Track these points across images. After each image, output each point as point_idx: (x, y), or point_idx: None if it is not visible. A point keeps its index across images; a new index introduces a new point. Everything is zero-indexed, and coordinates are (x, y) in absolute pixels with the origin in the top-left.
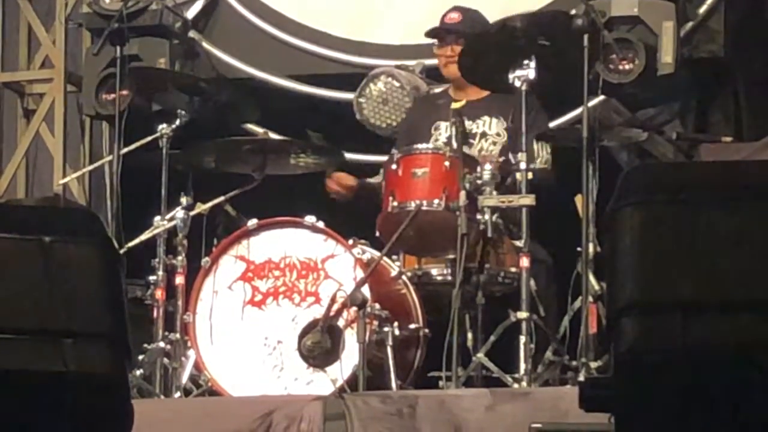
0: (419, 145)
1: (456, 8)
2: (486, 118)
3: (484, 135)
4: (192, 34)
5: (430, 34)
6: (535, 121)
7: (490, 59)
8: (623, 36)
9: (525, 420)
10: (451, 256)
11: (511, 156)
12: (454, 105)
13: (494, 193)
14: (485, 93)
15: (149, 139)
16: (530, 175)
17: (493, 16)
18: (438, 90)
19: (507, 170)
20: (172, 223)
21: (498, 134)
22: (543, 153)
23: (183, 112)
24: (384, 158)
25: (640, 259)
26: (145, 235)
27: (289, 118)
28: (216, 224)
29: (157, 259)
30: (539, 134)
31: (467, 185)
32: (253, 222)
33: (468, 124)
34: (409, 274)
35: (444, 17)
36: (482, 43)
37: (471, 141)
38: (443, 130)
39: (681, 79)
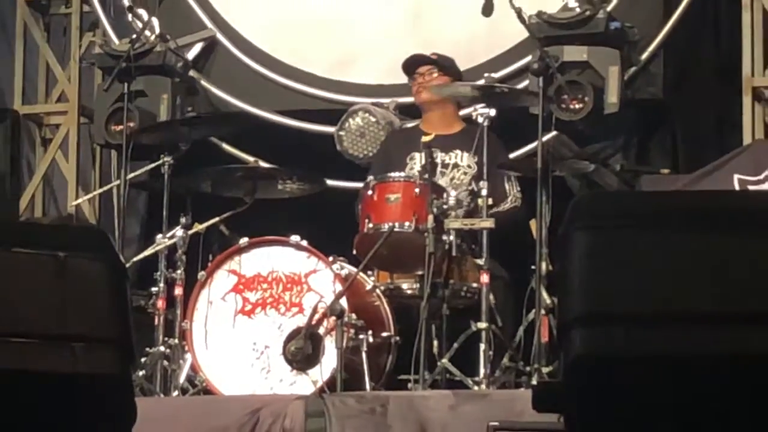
0: (393, 174)
1: (433, 53)
2: (458, 151)
3: (456, 166)
4: (192, 73)
5: (409, 62)
6: (496, 153)
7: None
8: (574, 79)
9: (484, 419)
10: (420, 273)
11: (474, 185)
12: (424, 138)
13: (460, 215)
14: (456, 129)
15: (153, 166)
16: (501, 207)
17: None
18: (410, 125)
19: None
20: (173, 241)
21: (469, 166)
22: (513, 191)
23: (182, 144)
24: (361, 185)
25: (587, 277)
26: (148, 251)
27: (277, 149)
28: (211, 242)
29: (158, 273)
30: (500, 164)
31: (435, 210)
32: (244, 240)
33: (441, 155)
34: (382, 287)
35: (417, 54)
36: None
37: (442, 170)
38: (417, 160)
39: (625, 118)
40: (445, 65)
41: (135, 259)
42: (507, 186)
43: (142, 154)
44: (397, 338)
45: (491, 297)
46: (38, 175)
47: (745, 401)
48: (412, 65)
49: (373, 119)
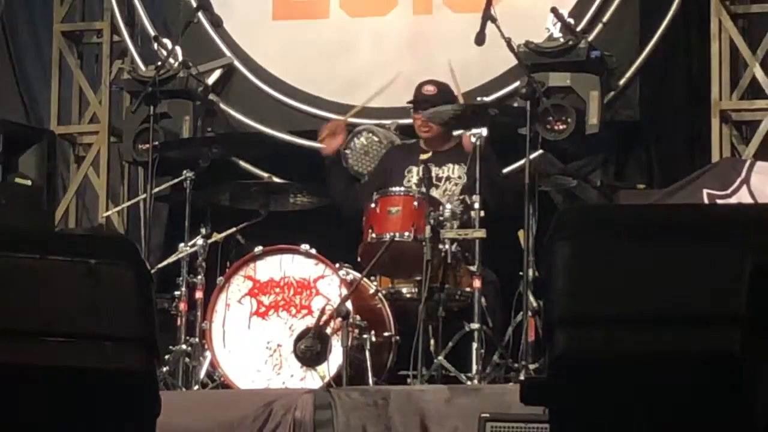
0: (393, 188)
1: (430, 81)
2: (450, 165)
3: (448, 178)
4: (211, 96)
5: (412, 102)
6: (488, 169)
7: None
8: (558, 102)
9: (476, 411)
10: (418, 278)
11: (468, 197)
12: (422, 156)
13: (455, 226)
14: (449, 146)
15: (176, 181)
16: (483, 214)
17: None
18: (410, 142)
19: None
20: (194, 249)
21: (459, 177)
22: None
23: (202, 161)
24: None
25: (570, 282)
26: (171, 258)
27: (289, 165)
28: (229, 250)
29: (180, 278)
30: (492, 178)
31: (431, 221)
32: (259, 249)
33: (435, 170)
34: (384, 291)
35: (421, 88)
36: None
37: (436, 183)
38: (414, 173)
39: (604, 138)
40: (445, 100)
41: (159, 265)
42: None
43: (166, 170)
44: (398, 338)
45: (483, 300)
46: (72, 189)
47: (713, 396)
48: (415, 104)
49: (375, 139)
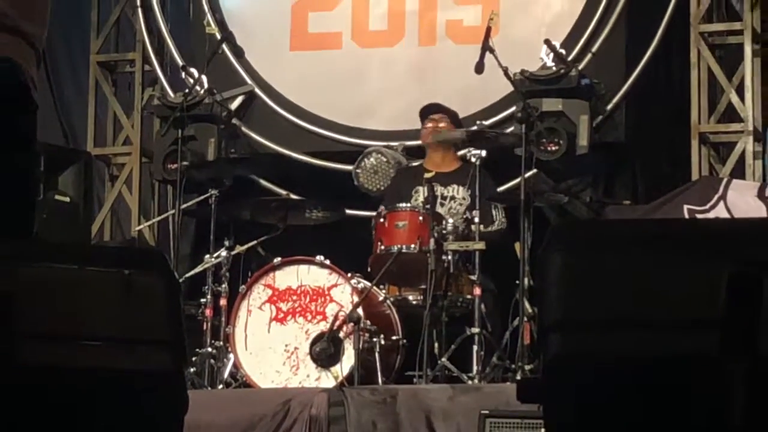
0: (400, 204)
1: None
2: (455, 185)
3: (453, 198)
4: (234, 121)
5: (426, 109)
6: (486, 187)
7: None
8: (551, 126)
9: (477, 407)
10: (423, 286)
11: (468, 213)
12: (426, 175)
13: (456, 239)
14: (454, 167)
15: (202, 198)
16: (489, 228)
17: (456, 106)
18: (415, 164)
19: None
20: (218, 260)
21: (464, 198)
22: (499, 217)
23: (226, 180)
24: (374, 213)
25: (562, 290)
26: (197, 269)
27: (305, 183)
28: (250, 261)
29: (206, 286)
30: (490, 196)
31: (435, 234)
32: (277, 260)
33: (440, 189)
34: (392, 299)
35: (429, 104)
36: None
37: (442, 201)
38: (421, 193)
39: (593, 158)
40: (452, 116)
41: (187, 275)
42: (494, 212)
43: (192, 187)
44: (404, 341)
45: (482, 307)
46: (107, 205)
47: (693, 396)
48: (428, 110)
49: (384, 159)
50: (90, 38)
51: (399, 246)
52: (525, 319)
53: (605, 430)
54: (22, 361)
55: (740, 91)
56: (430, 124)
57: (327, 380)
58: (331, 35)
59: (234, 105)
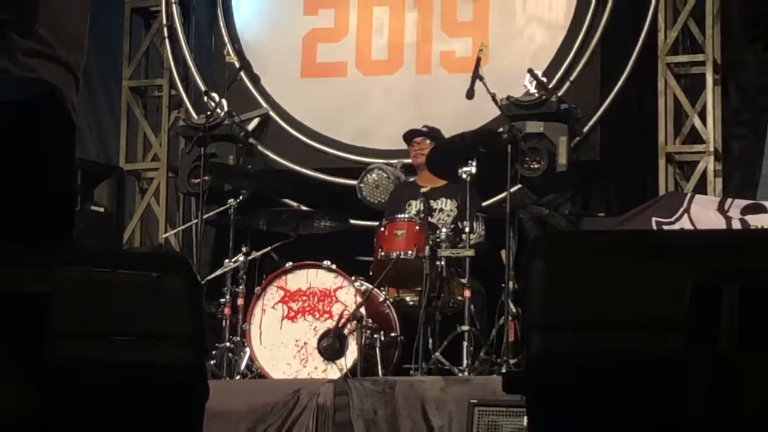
0: (399, 215)
1: (424, 125)
2: (444, 199)
3: (441, 210)
4: (251, 140)
5: (408, 134)
6: (475, 201)
7: (448, 159)
8: (533, 146)
9: (466, 397)
10: (419, 289)
11: (459, 223)
12: (422, 190)
13: (449, 246)
14: (443, 183)
15: (222, 209)
16: (473, 237)
17: (449, 127)
18: (411, 179)
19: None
20: (236, 264)
21: (451, 210)
22: (479, 230)
23: (244, 191)
24: (376, 223)
25: (543, 293)
26: (217, 272)
27: (314, 196)
28: (264, 265)
29: (225, 288)
30: (479, 209)
31: (430, 242)
32: (289, 264)
33: (432, 202)
34: (391, 300)
35: (413, 129)
36: (445, 149)
37: (433, 213)
38: (414, 206)
39: (571, 175)
40: (433, 135)
41: (208, 277)
42: (476, 224)
43: (213, 199)
44: (402, 337)
45: (472, 307)
46: (137, 215)
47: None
48: (409, 136)
49: (385, 175)
50: (122, 66)
51: (398, 252)
52: (510, 318)
53: (582, 417)
54: (57, 355)
55: (702, 116)
56: (416, 147)
57: (333, 372)
58: (338, 64)
59: (251, 126)
